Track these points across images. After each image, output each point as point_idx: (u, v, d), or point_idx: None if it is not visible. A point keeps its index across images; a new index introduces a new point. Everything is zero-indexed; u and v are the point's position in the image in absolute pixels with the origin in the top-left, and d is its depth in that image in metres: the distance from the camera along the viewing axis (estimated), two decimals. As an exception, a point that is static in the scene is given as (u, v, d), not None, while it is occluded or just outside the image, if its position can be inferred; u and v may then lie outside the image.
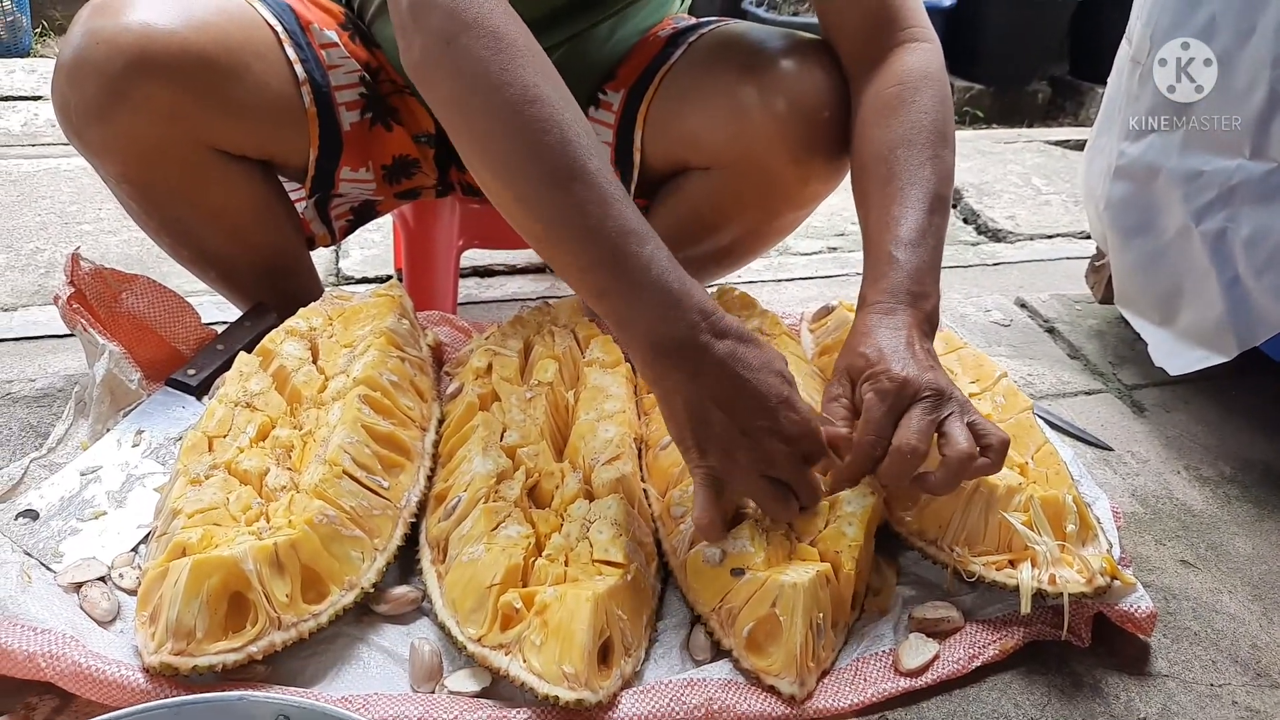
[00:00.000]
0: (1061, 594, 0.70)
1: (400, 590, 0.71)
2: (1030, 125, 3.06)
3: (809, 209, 1.03)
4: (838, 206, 1.92)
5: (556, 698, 0.60)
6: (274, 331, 0.88)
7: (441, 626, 0.67)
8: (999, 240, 1.92)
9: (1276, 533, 0.93)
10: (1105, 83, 1.26)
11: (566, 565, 0.69)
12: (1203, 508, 0.96)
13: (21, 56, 2.67)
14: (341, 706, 0.58)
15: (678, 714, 0.63)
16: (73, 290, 0.87)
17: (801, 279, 1.65)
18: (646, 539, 0.76)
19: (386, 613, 0.70)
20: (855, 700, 0.67)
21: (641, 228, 0.68)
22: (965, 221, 2.00)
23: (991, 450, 0.70)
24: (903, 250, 0.77)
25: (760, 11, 3.02)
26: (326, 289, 1.02)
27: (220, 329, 0.96)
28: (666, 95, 0.96)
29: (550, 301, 1.03)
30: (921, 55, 0.87)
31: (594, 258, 0.67)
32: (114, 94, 0.81)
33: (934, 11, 0.90)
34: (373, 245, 1.64)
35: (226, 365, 0.88)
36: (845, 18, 0.90)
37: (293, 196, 1.00)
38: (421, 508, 0.77)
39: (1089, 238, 1.78)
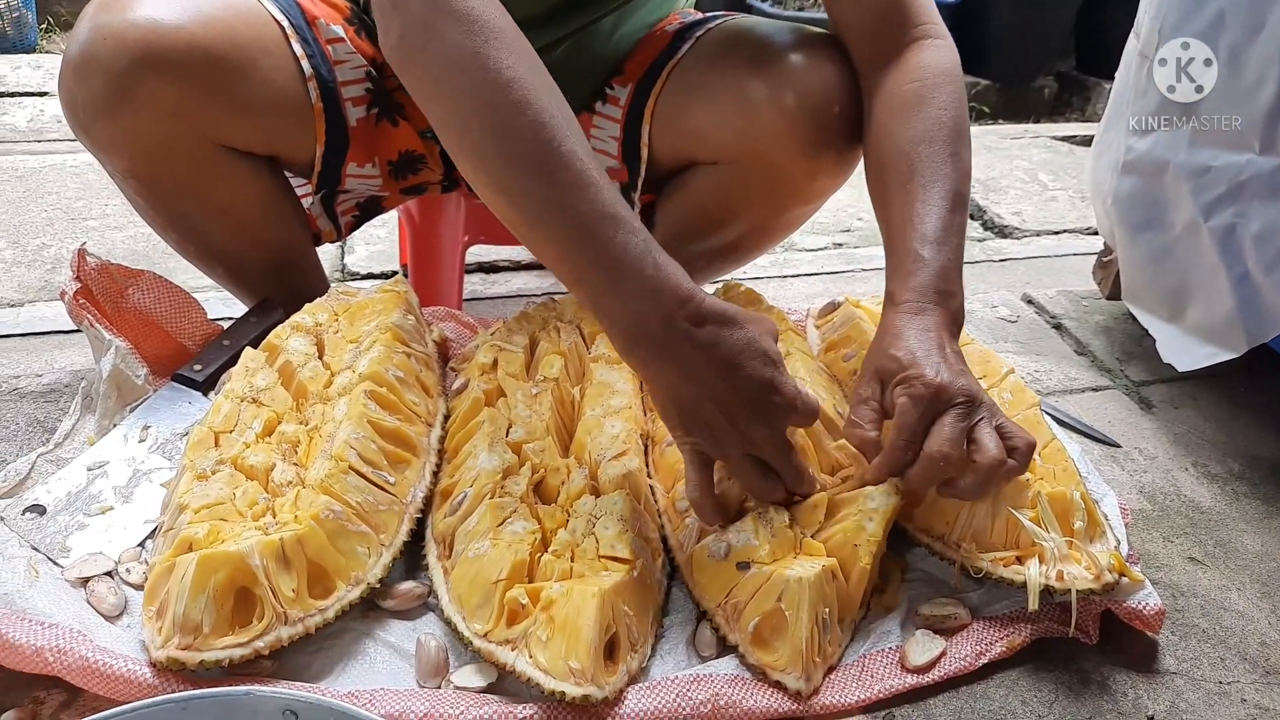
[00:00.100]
0: (1069, 590, 0.70)
1: (406, 586, 0.71)
2: (1037, 121, 3.05)
3: (816, 204, 1.03)
4: (844, 203, 1.92)
5: (563, 693, 0.60)
6: (280, 327, 0.88)
7: (448, 622, 0.67)
8: (1006, 236, 1.91)
9: (1285, 530, 0.93)
10: (1112, 78, 1.25)
11: (572, 561, 0.69)
12: (1211, 505, 0.96)
13: (27, 52, 2.67)
14: (348, 702, 0.58)
15: (684, 710, 0.63)
16: (79, 286, 0.87)
17: (807, 275, 1.65)
18: (652, 534, 0.75)
19: (392, 608, 0.70)
20: (862, 696, 0.67)
21: (619, 211, 0.67)
22: (972, 218, 1.99)
23: (1018, 453, 0.70)
24: (928, 248, 0.77)
25: (766, 6, 3.01)
26: (332, 285, 1.02)
27: (226, 325, 0.96)
28: (674, 90, 0.96)
29: (555, 297, 1.03)
30: (938, 52, 0.86)
31: (569, 243, 0.67)
32: (121, 90, 0.81)
33: (940, 7, 0.89)
34: (378, 241, 1.65)
35: (232, 361, 0.88)
36: (856, 14, 0.89)
37: (299, 192, 1.01)
38: (427, 503, 0.77)
39: (1096, 233, 1.77)
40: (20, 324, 1.23)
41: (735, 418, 0.67)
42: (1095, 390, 1.17)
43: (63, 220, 1.58)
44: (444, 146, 0.72)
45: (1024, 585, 0.71)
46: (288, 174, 0.99)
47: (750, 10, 2.95)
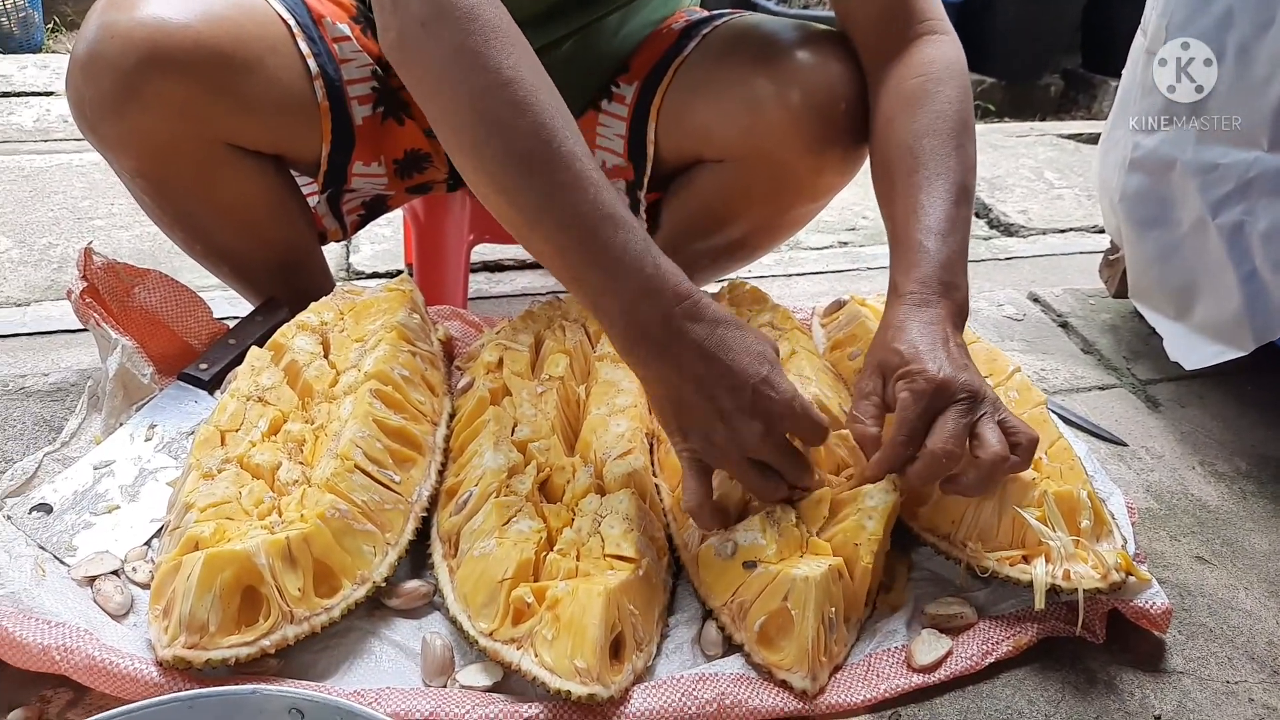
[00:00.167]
0: (1076, 590, 0.70)
1: (412, 584, 0.71)
2: (1042, 119, 3.05)
3: (822, 202, 1.02)
4: (849, 201, 1.92)
5: (568, 692, 0.60)
6: (285, 326, 0.88)
7: (453, 621, 0.67)
8: (1011, 235, 1.91)
9: (1293, 529, 0.93)
10: (1118, 75, 1.25)
11: (578, 560, 0.69)
12: (1218, 503, 0.96)
13: (34, 52, 2.68)
14: (353, 700, 0.58)
15: (689, 709, 0.63)
16: (85, 285, 0.88)
17: (812, 274, 1.65)
18: (658, 533, 0.75)
19: (398, 607, 0.70)
20: (868, 696, 0.67)
21: (618, 212, 0.67)
22: (977, 216, 1.99)
23: (1020, 449, 0.70)
24: (933, 240, 0.76)
25: (772, 4, 3.00)
26: (337, 284, 1.02)
27: (232, 324, 0.96)
28: (680, 87, 0.96)
29: (561, 296, 1.03)
30: (942, 47, 0.86)
31: (568, 243, 0.67)
32: (128, 89, 0.82)
33: (946, 4, 0.90)
34: (383, 240, 1.65)
35: (238, 360, 0.88)
36: (862, 10, 0.89)
37: (305, 191, 1.01)
38: (433, 502, 0.77)
39: (1102, 231, 1.77)
40: (27, 323, 1.23)
41: (732, 417, 0.67)
42: (1102, 389, 1.16)
43: (69, 219, 1.58)
44: (443, 145, 0.72)
45: (1030, 584, 0.70)
46: (294, 173, 0.99)
47: (756, 8, 2.95)
